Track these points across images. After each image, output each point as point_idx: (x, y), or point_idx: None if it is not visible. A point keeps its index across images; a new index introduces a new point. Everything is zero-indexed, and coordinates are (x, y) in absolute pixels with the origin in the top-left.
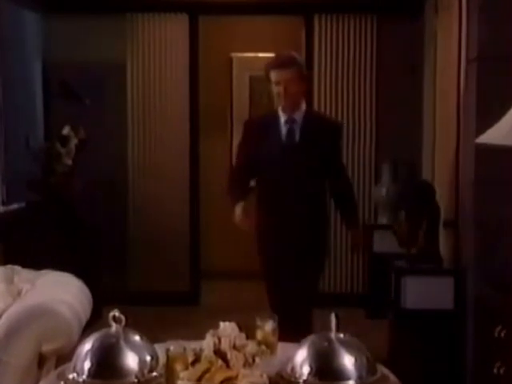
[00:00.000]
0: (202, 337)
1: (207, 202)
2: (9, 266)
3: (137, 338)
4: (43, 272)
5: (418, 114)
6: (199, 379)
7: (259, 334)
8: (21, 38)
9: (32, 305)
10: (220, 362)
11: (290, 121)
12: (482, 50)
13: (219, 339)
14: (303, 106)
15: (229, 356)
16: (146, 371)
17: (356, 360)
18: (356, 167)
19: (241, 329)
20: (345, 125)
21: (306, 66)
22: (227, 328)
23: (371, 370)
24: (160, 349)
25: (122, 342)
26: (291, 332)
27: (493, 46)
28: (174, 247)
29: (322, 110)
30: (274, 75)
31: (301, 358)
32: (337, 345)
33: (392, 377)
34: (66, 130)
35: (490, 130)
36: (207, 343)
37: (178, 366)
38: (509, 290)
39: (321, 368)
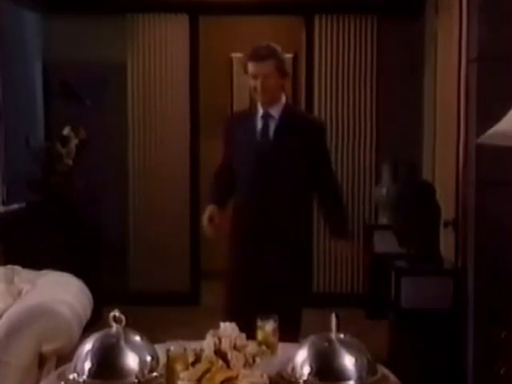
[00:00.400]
0: (202, 337)
1: (207, 202)
2: (9, 266)
3: (137, 338)
4: (43, 272)
5: (418, 114)
6: (199, 379)
7: (260, 335)
8: (21, 38)
9: (32, 305)
10: (220, 362)
11: (266, 115)
12: (482, 50)
13: (219, 339)
14: (282, 101)
15: (229, 356)
16: (146, 371)
17: (356, 360)
18: (356, 167)
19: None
20: (345, 125)
21: (306, 66)
22: (227, 328)
23: (371, 371)
24: (160, 349)
25: (122, 343)
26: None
27: (493, 46)
28: (174, 247)
29: (322, 109)
30: (250, 68)
31: (301, 358)
32: (337, 345)
33: (392, 377)
34: (66, 130)
35: (491, 130)
36: (207, 343)
37: (179, 366)
38: (509, 290)
39: (321, 368)
